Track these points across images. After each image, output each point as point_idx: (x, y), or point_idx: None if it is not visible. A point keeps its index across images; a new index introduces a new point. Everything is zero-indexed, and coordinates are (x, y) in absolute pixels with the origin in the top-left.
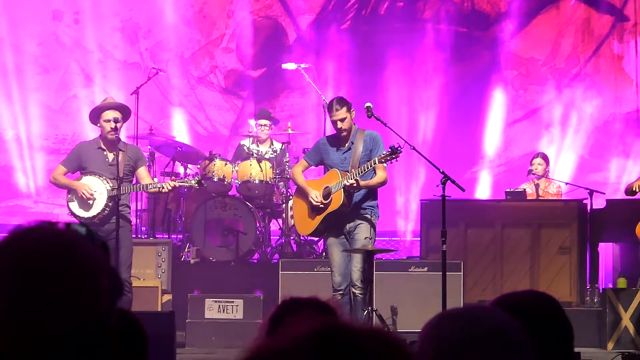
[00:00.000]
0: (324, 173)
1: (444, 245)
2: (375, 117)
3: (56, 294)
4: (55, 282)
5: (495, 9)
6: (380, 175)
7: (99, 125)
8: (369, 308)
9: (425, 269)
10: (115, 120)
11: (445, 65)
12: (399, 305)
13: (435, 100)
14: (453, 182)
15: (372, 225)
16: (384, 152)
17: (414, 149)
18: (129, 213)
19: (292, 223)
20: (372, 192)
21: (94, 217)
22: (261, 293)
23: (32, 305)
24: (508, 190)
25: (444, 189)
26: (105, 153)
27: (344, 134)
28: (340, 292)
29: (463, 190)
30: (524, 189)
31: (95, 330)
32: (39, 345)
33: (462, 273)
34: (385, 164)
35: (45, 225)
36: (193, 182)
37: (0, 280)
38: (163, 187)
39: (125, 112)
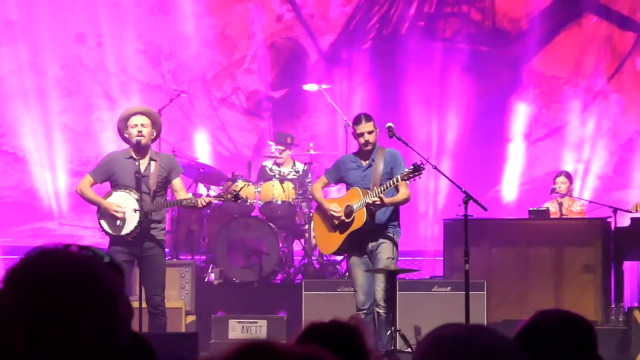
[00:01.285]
0: (346, 191)
1: (467, 265)
2: (396, 137)
3: (74, 317)
4: (74, 305)
5: (516, 27)
6: (403, 192)
7: (127, 135)
8: (392, 328)
9: (449, 288)
10: (142, 124)
11: (466, 84)
12: (422, 325)
13: (457, 119)
14: (475, 201)
15: (395, 244)
16: (407, 170)
17: (435, 168)
18: (163, 231)
19: (314, 242)
20: (394, 211)
21: (127, 235)
22: (284, 313)
23: (50, 328)
24: (531, 209)
25: (466, 208)
26: (137, 163)
27: (369, 147)
28: (363, 312)
29: (485, 209)
30: (548, 208)
31: (113, 353)
32: None
33: (485, 292)
34: (407, 182)
35: (62, 248)
36: (229, 196)
37: (18, 302)
38: (198, 202)
39: (153, 117)
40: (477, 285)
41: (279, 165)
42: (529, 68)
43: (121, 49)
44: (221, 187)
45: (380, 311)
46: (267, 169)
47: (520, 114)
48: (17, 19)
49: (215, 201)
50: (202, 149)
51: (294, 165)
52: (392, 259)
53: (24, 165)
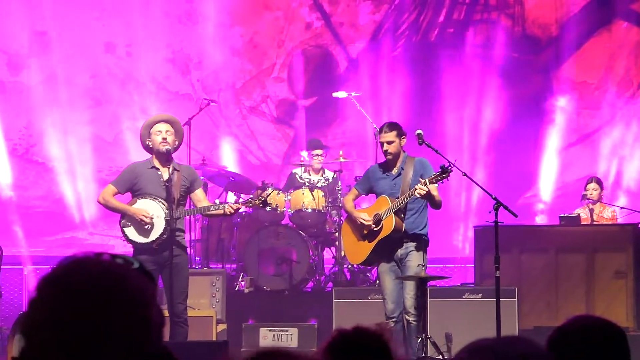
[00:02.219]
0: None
1: (498, 272)
2: (426, 143)
3: (106, 326)
4: (106, 314)
5: (546, 33)
6: (437, 194)
7: (149, 143)
8: (423, 335)
9: (480, 295)
10: (167, 132)
11: (497, 91)
12: (453, 332)
13: (488, 126)
14: (505, 207)
15: (424, 251)
16: (434, 173)
17: (465, 175)
18: (184, 239)
19: (344, 254)
20: (422, 218)
21: (152, 242)
22: (316, 322)
23: (82, 337)
24: (562, 215)
25: (496, 214)
26: (159, 172)
27: (389, 157)
28: (393, 320)
29: (516, 216)
30: (579, 214)
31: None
32: None
33: (516, 299)
34: (436, 185)
35: (94, 256)
36: (257, 202)
37: (51, 311)
38: (226, 209)
39: (176, 126)
40: (508, 292)
41: (311, 172)
42: (559, 74)
43: (150, 58)
44: (251, 196)
45: (410, 319)
46: (297, 176)
47: (551, 120)
48: (47, 29)
49: (243, 208)
50: (232, 158)
51: (324, 173)
52: (422, 266)
53: (54, 175)
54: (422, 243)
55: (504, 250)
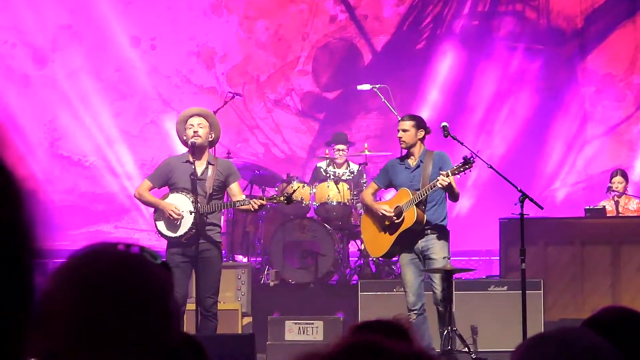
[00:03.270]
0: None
1: (523, 264)
2: (451, 136)
3: (123, 316)
4: (122, 304)
5: (571, 25)
6: (455, 186)
7: (185, 137)
8: (449, 328)
9: (505, 287)
10: (198, 125)
11: (521, 83)
12: (479, 324)
13: (512, 118)
14: (531, 200)
15: (446, 243)
16: (457, 165)
17: (491, 167)
18: (219, 233)
19: (363, 247)
20: (442, 210)
21: (180, 236)
22: (342, 315)
23: (99, 327)
24: (587, 207)
25: (522, 207)
26: (193, 166)
27: (403, 145)
28: (415, 312)
29: (541, 208)
30: (604, 206)
31: (161, 353)
32: None
33: (542, 291)
34: (458, 175)
35: (109, 246)
36: (282, 198)
37: (66, 301)
38: (251, 205)
39: (210, 119)
40: (534, 284)
41: (339, 166)
42: (583, 66)
43: (175, 51)
44: (276, 189)
45: (440, 308)
46: (321, 170)
47: (576, 113)
48: (72, 23)
49: (268, 202)
50: (257, 151)
51: (349, 166)
52: (447, 258)
53: (79, 169)
54: (443, 234)
55: (529, 243)
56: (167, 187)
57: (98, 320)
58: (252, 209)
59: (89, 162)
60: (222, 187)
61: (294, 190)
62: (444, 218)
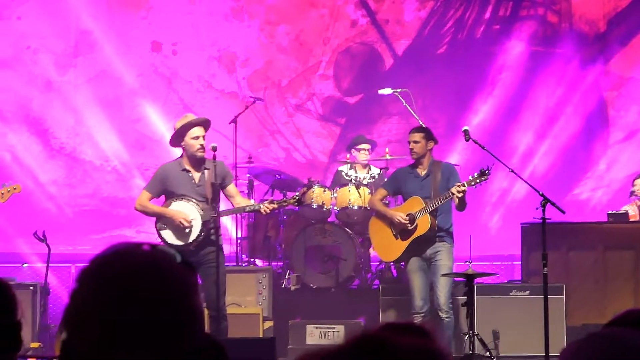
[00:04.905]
0: (402, 202)
1: (545, 268)
2: (473, 140)
3: (149, 314)
4: (148, 303)
5: (593, 29)
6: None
7: (182, 145)
8: (471, 332)
9: (527, 292)
10: (203, 137)
11: (544, 87)
12: (500, 329)
13: (535, 123)
14: (553, 204)
15: (452, 250)
16: (473, 176)
17: (512, 171)
18: (220, 235)
19: (372, 252)
20: (449, 218)
21: (189, 244)
22: (364, 319)
23: (126, 326)
24: (610, 212)
25: (544, 211)
26: (190, 174)
27: (414, 156)
28: (421, 315)
29: (563, 212)
30: (626, 211)
31: (186, 351)
32: None
33: (564, 296)
34: (474, 186)
35: (134, 246)
36: (292, 200)
37: (94, 301)
38: (261, 208)
39: (207, 128)
40: (556, 289)
41: (357, 169)
42: (606, 70)
43: (196, 56)
44: (297, 194)
45: (444, 315)
46: (343, 173)
47: (598, 117)
48: (93, 28)
49: (278, 205)
50: (278, 156)
51: (370, 170)
52: (452, 265)
53: (101, 174)
54: (450, 242)
55: (551, 247)
56: (163, 196)
57: (125, 320)
58: (264, 214)
59: (111, 167)
60: (219, 189)
61: (304, 193)
62: (451, 225)
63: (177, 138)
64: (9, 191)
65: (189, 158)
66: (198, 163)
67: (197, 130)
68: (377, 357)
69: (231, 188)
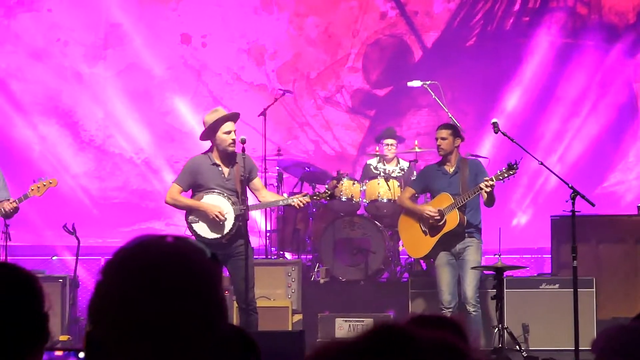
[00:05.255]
0: (431, 199)
1: (575, 262)
2: (502, 132)
3: (174, 306)
4: (173, 294)
5: (623, 20)
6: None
7: (214, 139)
8: (500, 326)
9: (557, 285)
10: (234, 131)
11: (573, 79)
12: (530, 322)
13: (565, 115)
14: (583, 197)
15: (481, 246)
16: (501, 170)
17: (542, 164)
18: (246, 230)
19: (401, 248)
20: (478, 214)
21: (222, 237)
22: (393, 312)
23: (152, 317)
24: None
25: (573, 204)
26: (220, 169)
27: (441, 152)
28: (449, 310)
29: (593, 205)
30: None
31: (212, 342)
32: (157, 356)
33: (594, 289)
34: (503, 181)
35: (158, 238)
36: (324, 195)
37: (119, 293)
38: (294, 202)
39: (237, 120)
40: (586, 282)
41: (385, 162)
42: (636, 61)
43: (225, 49)
44: (326, 186)
45: (471, 309)
46: (371, 167)
47: (629, 109)
48: (123, 21)
49: (311, 199)
50: (307, 148)
51: (399, 163)
52: (480, 260)
53: (131, 166)
54: (479, 238)
55: (581, 240)
56: (191, 189)
57: (148, 312)
58: (297, 208)
59: (140, 160)
60: (246, 183)
61: (335, 186)
62: (479, 222)
63: (209, 132)
64: (44, 185)
65: (219, 152)
66: (228, 157)
67: (230, 125)
68: (394, 350)
69: (256, 182)
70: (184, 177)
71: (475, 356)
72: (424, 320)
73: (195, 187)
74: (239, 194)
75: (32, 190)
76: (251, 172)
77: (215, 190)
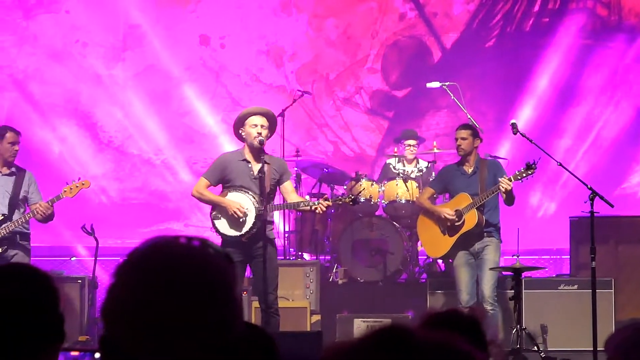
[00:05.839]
0: (450, 199)
1: (594, 262)
2: (520, 133)
3: (188, 307)
4: (187, 295)
5: None
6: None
7: (242, 134)
8: (518, 326)
9: (576, 286)
10: (262, 126)
11: (593, 80)
12: (548, 323)
13: (584, 117)
14: (601, 197)
15: (500, 245)
16: (519, 170)
17: (560, 165)
18: (272, 230)
19: (420, 248)
20: (497, 214)
21: (242, 235)
22: (412, 313)
23: (166, 319)
24: None
25: (592, 205)
26: (250, 165)
27: (461, 152)
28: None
29: (612, 206)
30: None
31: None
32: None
33: (613, 290)
34: (521, 181)
35: (171, 239)
36: (347, 199)
37: (131, 293)
38: (317, 207)
39: (271, 119)
40: (605, 283)
41: (405, 162)
42: None
43: (244, 50)
44: (345, 187)
45: (488, 308)
46: (391, 166)
47: None
48: (141, 22)
49: (333, 203)
50: (326, 149)
51: (418, 163)
52: (498, 260)
53: (150, 167)
54: (498, 237)
55: (600, 241)
56: (220, 185)
57: (162, 312)
58: (319, 212)
59: (159, 161)
60: (276, 185)
61: (359, 192)
62: (498, 221)
63: (238, 125)
64: (77, 186)
65: (249, 147)
66: (257, 154)
67: (257, 119)
68: (394, 350)
69: (287, 185)
70: (212, 171)
71: (482, 356)
72: (438, 317)
73: (224, 182)
74: (265, 193)
75: (65, 191)
76: (282, 176)
77: (242, 189)
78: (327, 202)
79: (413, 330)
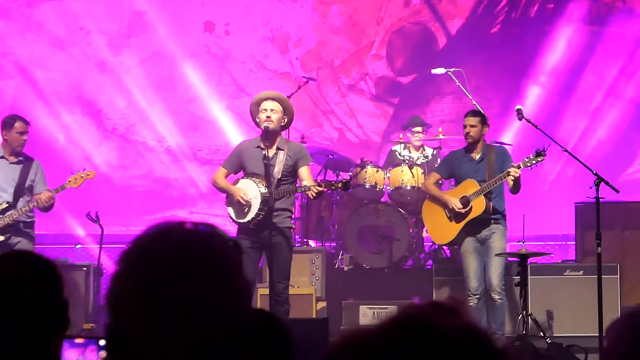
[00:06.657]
0: (456, 185)
1: (599, 248)
2: (526, 119)
3: (195, 294)
4: (194, 283)
5: None
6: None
7: (257, 120)
8: (524, 312)
9: (581, 272)
10: (271, 110)
11: (598, 66)
12: (554, 309)
13: (589, 103)
14: (607, 183)
15: (506, 232)
16: (528, 157)
17: (566, 150)
18: (289, 218)
19: (425, 234)
20: (502, 201)
21: (248, 222)
22: (418, 299)
23: (173, 307)
24: None
25: (597, 190)
26: (264, 152)
27: (470, 140)
28: (477, 297)
29: (617, 191)
30: None
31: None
32: (178, 344)
33: (618, 276)
34: (530, 167)
35: (177, 225)
36: (339, 184)
37: (136, 280)
38: (309, 190)
39: (284, 103)
40: (610, 268)
41: (410, 149)
42: None
43: (249, 37)
44: (350, 174)
45: (496, 297)
46: (396, 153)
47: None
48: (146, 9)
49: (325, 188)
50: (331, 136)
51: (423, 150)
52: (505, 246)
53: (154, 154)
54: (504, 224)
55: (606, 227)
56: (241, 172)
57: (164, 299)
58: (311, 197)
59: (164, 148)
60: (292, 172)
61: (352, 177)
62: (504, 208)
63: (253, 112)
64: (82, 177)
65: (263, 136)
66: (271, 139)
67: (267, 104)
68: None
69: (302, 170)
70: (230, 159)
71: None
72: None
73: (243, 170)
74: (275, 180)
75: (70, 181)
76: (298, 161)
77: (254, 176)
78: (318, 187)
79: (434, 316)
